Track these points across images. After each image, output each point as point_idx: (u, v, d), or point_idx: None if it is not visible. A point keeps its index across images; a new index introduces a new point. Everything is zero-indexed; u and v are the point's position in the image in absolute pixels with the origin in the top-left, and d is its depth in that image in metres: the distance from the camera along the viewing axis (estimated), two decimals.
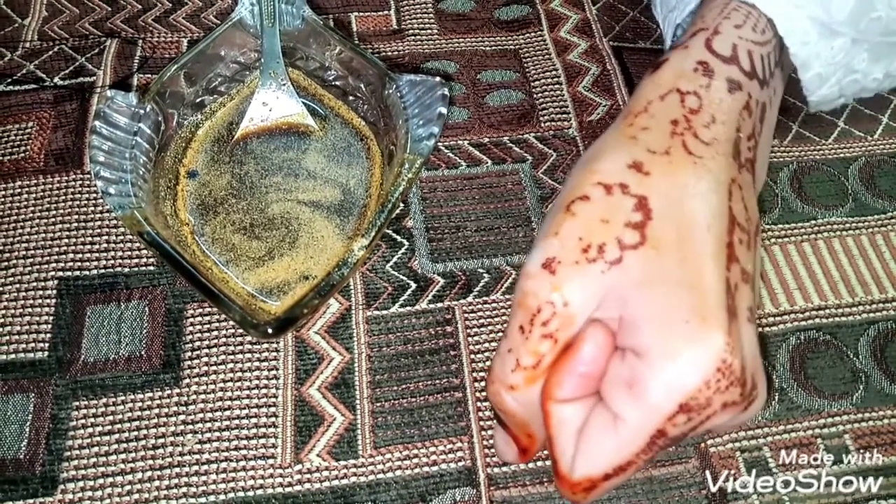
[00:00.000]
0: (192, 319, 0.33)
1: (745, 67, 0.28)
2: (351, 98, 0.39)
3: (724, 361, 0.22)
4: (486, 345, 0.33)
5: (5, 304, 0.33)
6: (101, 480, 0.29)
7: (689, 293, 0.23)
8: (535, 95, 0.42)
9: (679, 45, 0.29)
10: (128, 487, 0.29)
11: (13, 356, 0.32)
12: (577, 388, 0.24)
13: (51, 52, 0.41)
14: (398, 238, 0.36)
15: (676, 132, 0.26)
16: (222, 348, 0.33)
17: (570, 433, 0.24)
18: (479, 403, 0.32)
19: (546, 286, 0.24)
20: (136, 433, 0.30)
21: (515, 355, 0.24)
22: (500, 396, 0.25)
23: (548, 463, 0.30)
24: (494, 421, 0.30)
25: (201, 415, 0.31)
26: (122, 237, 0.35)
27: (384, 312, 0.34)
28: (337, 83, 0.40)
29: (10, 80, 0.40)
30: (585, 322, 0.24)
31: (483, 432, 0.31)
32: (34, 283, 0.34)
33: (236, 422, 0.31)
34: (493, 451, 0.31)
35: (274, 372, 0.32)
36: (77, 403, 0.31)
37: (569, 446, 0.24)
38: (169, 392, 0.31)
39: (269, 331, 0.29)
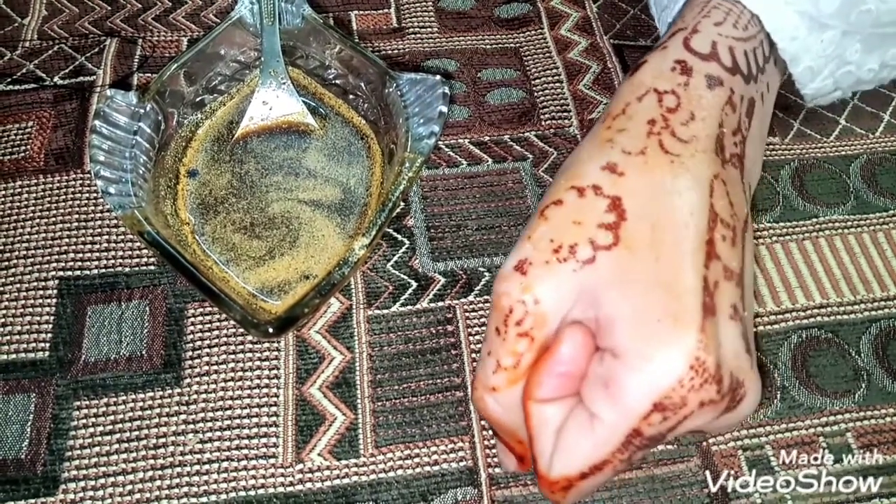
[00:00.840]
0: (192, 319, 0.33)
1: (727, 63, 0.28)
2: (351, 97, 0.39)
3: (697, 359, 0.22)
4: None
5: (6, 304, 0.33)
6: (102, 480, 0.29)
7: (663, 292, 0.23)
8: (535, 94, 0.42)
9: (658, 47, 0.29)
10: (129, 487, 0.29)
11: (14, 356, 0.32)
12: (557, 388, 0.24)
13: (50, 52, 0.41)
14: (399, 237, 0.36)
15: (653, 132, 0.26)
16: (223, 348, 0.32)
17: (550, 432, 0.24)
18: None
19: (517, 286, 0.24)
20: (137, 433, 0.30)
21: (495, 357, 0.25)
22: (483, 402, 0.25)
23: None
24: (494, 435, 0.30)
25: (202, 414, 0.31)
26: (122, 237, 0.35)
27: (385, 311, 0.34)
28: (337, 82, 0.40)
29: (9, 79, 0.40)
30: (563, 322, 0.24)
31: (484, 431, 0.31)
32: (35, 283, 0.34)
33: (237, 421, 0.31)
34: (494, 450, 0.31)
35: (275, 371, 0.32)
36: (78, 403, 0.31)
37: (548, 445, 0.24)
38: (170, 392, 0.31)
39: (270, 330, 0.29)
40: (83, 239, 0.35)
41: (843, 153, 0.40)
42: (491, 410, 0.25)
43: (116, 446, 0.30)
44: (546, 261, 0.24)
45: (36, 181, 0.37)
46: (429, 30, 0.44)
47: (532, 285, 0.24)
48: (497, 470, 0.30)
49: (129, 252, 0.35)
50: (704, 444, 0.31)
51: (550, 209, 0.25)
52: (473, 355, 0.33)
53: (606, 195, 0.25)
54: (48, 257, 0.34)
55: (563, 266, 0.24)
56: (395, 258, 0.35)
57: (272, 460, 0.30)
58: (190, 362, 0.32)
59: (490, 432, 0.31)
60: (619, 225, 0.24)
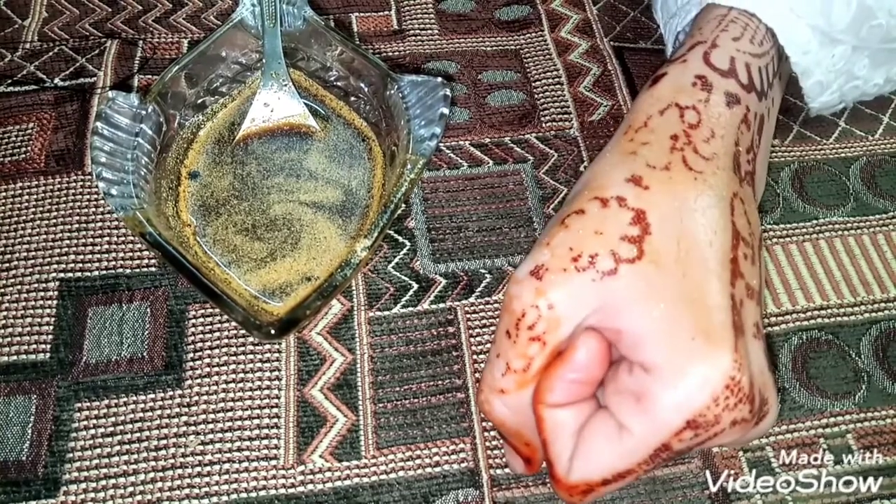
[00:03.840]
0: (193, 321, 0.33)
1: (743, 80, 0.28)
2: (352, 99, 0.39)
3: (732, 379, 0.22)
4: (489, 345, 0.33)
5: (7, 305, 0.33)
6: (103, 482, 0.29)
7: (693, 310, 0.23)
8: (536, 96, 0.42)
9: (677, 59, 0.29)
10: (130, 489, 0.29)
11: (15, 358, 0.32)
12: (570, 394, 0.24)
13: (51, 53, 0.41)
14: (400, 239, 0.36)
15: (676, 147, 0.26)
16: (224, 349, 0.32)
17: (566, 436, 0.24)
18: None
19: (531, 291, 0.24)
20: (138, 434, 0.30)
21: (504, 359, 0.24)
22: (489, 404, 0.25)
23: None
24: (501, 438, 0.30)
25: (204, 416, 0.31)
26: (123, 238, 0.35)
27: (386, 313, 0.34)
28: (338, 84, 0.40)
29: (10, 81, 0.40)
30: (578, 329, 0.24)
31: (486, 433, 0.31)
32: (36, 285, 0.34)
33: (239, 423, 0.31)
34: (495, 451, 0.31)
35: (276, 373, 0.32)
36: (79, 405, 0.31)
37: (565, 449, 0.24)
38: (171, 393, 0.31)
39: (272, 332, 0.29)
40: (84, 240, 0.35)
41: (843, 155, 0.40)
42: (497, 412, 0.25)
43: (118, 448, 0.30)
44: (563, 268, 0.24)
45: (37, 183, 0.37)
46: (429, 32, 0.44)
47: (546, 290, 0.24)
48: (499, 471, 0.30)
49: (131, 253, 0.35)
50: None
51: (571, 218, 0.25)
52: (474, 357, 0.33)
53: (631, 207, 0.24)
54: (49, 259, 0.34)
55: (582, 275, 0.24)
56: (396, 260, 0.35)
57: (273, 462, 0.30)
58: (191, 364, 0.32)
59: (493, 434, 0.31)
60: (644, 239, 0.24)
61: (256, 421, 0.31)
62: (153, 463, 0.30)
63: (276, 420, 0.31)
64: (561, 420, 0.24)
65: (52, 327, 0.33)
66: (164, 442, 0.30)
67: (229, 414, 0.31)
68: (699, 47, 0.29)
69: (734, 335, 0.23)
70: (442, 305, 0.34)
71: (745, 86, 0.28)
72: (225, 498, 0.29)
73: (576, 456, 0.24)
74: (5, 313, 0.33)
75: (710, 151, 0.26)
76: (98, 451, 0.30)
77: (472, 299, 0.34)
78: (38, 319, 0.33)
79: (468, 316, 0.34)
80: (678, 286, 0.23)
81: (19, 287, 0.34)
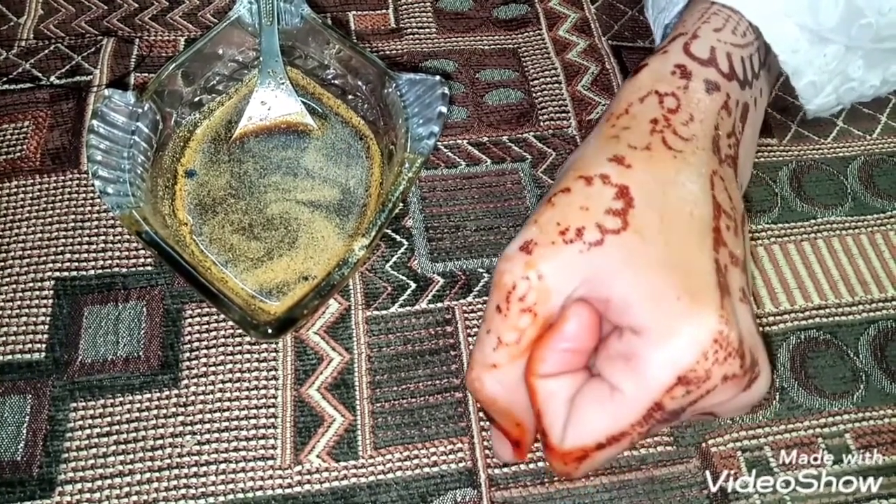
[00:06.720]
0: (190, 320, 0.33)
1: (724, 69, 0.29)
2: (350, 97, 0.39)
3: (720, 333, 0.23)
4: None
5: (2, 304, 0.33)
6: (99, 482, 0.29)
7: (677, 272, 0.24)
8: (534, 94, 0.42)
9: (659, 50, 0.30)
10: (126, 489, 0.29)
11: (10, 357, 0.32)
12: (562, 364, 0.24)
13: (47, 51, 0.41)
14: (397, 238, 0.36)
15: (656, 129, 0.27)
16: (221, 349, 0.32)
17: (559, 404, 0.24)
18: (479, 404, 0.32)
19: (521, 264, 0.25)
20: (134, 434, 0.30)
21: (496, 334, 0.25)
22: (480, 382, 0.25)
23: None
24: (488, 422, 0.30)
25: (200, 416, 0.31)
26: (119, 237, 0.35)
27: (384, 312, 0.34)
28: (336, 82, 0.40)
29: (5, 79, 0.40)
30: (568, 300, 0.24)
31: (484, 433, 0.31)
32: (31, 284, 0.33)
33: (235, 423, 0.31)
34: (493, 450, 0.31)
35: (273, 372, 0.32)
36: (75, 405, 0.31)
37: (558, 417, 0.24)
38: (167, 393, 0.31)
39: (269, 331, 0.28)
40: (80, 239, 0.35)
41: (841, 155, 0.40)
42: (488, 389, 0.25)
43: (113, 448, 0.30)
44: (552, 241, 0.25)
45: (32, 181, 0.36)
46: (427, 30, 0.44)
47: (536, 262, 0.24)
48: (497, 471, 0.30)
49: (127, 252, 0.35)
50: (704, 445, 0.31)
51: (558, 196, 0.26)
52: None
53: (614, 184, 0.25)
54: (45, 258, 0.34)
55: (569, 247, 0.24)
56: (394, 259, 0.35)
57: (270, 462, 0.30)
58: (187, 363, 0.32)
59: (490, 433, 0.31)
60: (627, 211, 0.25)
61: (253, 421, 0.31)
62: (149, 463, 0.30)
63: (272, 420, 0.31)
64: (554, 389, 0.24)
65: (47, 326, 0.32)
66: (161, 442, 0.30)
67: (226, 414, 0.31)
68: (680, 38, 0.30)
69: (720, 293, 0.23)
70: (440, 305, 0.34)
71: (725, 74, 0.29)
72: (221, 498, 0.29)
73: (569, 423, 0.24)
74: (0, 312, 0.33)
75: (688, 133, 0.27)
76: (94, 451, 0.30)
77: (469, 298, 0.34)
78: (34, 318, 0.33)
79: (466, 315, 0.34)
80: (662, 253, 0.24)
81: (14, 286, 0.33)
